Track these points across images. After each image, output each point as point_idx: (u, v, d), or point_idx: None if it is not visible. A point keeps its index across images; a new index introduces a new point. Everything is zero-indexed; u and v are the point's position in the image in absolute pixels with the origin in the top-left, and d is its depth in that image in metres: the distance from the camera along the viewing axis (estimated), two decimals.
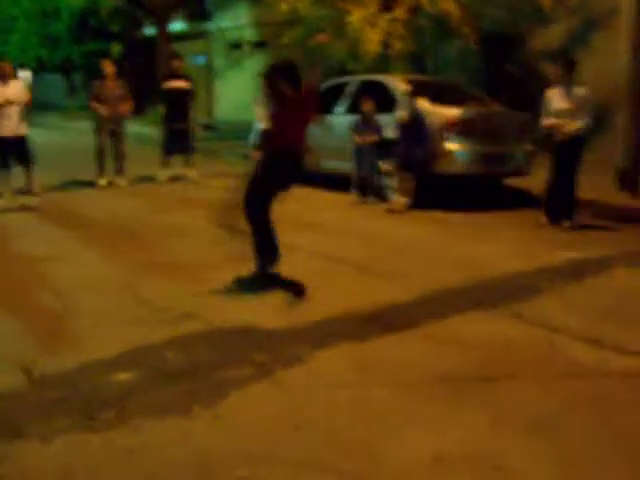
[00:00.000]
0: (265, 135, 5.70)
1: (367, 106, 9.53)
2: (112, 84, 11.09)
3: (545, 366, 4.10)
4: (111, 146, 11.21)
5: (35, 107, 29.65)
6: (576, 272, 6.15)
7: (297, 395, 3.70)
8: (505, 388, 3.79)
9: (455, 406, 3.56)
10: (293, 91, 5.51)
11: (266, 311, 5.02)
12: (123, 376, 3.94)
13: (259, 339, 4.49)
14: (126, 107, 11.11)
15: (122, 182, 11.17)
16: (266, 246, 5.62)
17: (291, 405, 3.59)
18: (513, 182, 10.21)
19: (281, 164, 5.60)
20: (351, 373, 3.99)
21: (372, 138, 9.42)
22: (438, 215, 8.75)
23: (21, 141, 10.00)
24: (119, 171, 11.24)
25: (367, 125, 9.50)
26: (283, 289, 5.47)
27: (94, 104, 11.01)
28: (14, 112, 9.84)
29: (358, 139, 9.52)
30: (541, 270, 6.19)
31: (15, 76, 10.41)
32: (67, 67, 28.51)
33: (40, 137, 10.52)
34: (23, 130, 10.03)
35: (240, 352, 4.27)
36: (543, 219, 8.22)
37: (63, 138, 19.16)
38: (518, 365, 4.11)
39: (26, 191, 10.11)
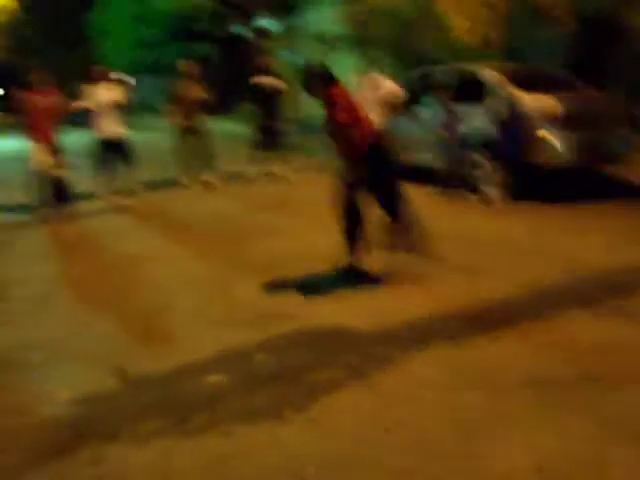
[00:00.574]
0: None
1: (447, 97, 9.29)
2: (193, 84, 11.22)
3: None
4: (196, 146, 11.35)
5: (130, 108, 30.45)
6: None
7: (389, 398, 3.62)
8: (611, 392, 3.57)
9: (555, 411, 3.38)
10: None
11: (359, 310, 4.95)
12: (215, 378, 3.94)
13: (351, 340, 4.42)
14: (206, 107, 11.21)
15: (212, 180, 11.29)
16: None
17: (383, 408, 3.50)
18: (613, 171, 9.73)
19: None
20: (445, 375, 3.86)
21: (458, 130, 9.16)
22: (534, 208, 8.41)
23: (121, 142, 10.35)
24: (208, 170, 11.35)
25: (454, 116, 9.24)
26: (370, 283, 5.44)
27: (170, 108, 11.22)
28: (113, 114, 10.20)
29: (443, 131, 9.28)
30: None
31: (112, 79, 10.66)
32: (161, 68, 29.18)
33: (135, 138, 10.75)
34: (123, 131, 10.37)
35: (332, 354, 4.21)
36: None
37: (157, 139, 19.59)
38: (626, 368, 3.86)
39: (123, 191, 10.43)
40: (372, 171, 5.53)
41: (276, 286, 5.63)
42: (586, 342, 4.21)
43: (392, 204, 5.63)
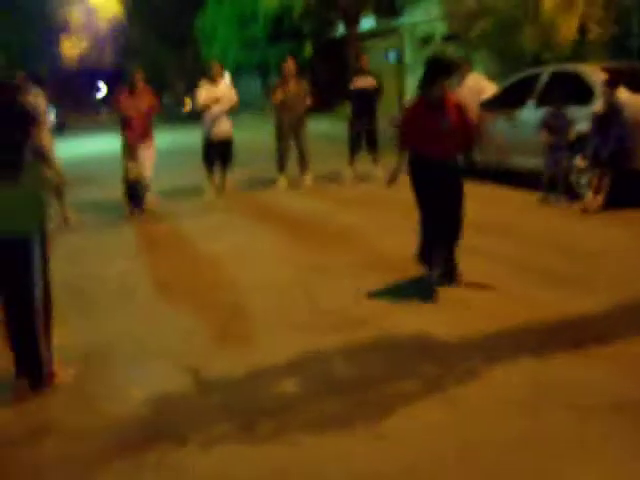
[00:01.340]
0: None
1: (556, 99, 8.83)
2: (292, 84, 11.19)
3: None
4: (294, 145, 11.34)
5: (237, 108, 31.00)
6: None
7: (468, 414, 3.44)
8: None
9: None
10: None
11: (440, 318, 4.77)
12: (287, 384, 3.88)
13: (431, 350, 4.26)
14: (304, 107, 11.07)
15: (307, 181, 11.26)
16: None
17: (460, 425, 3.34)
18: None
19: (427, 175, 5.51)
20: (527, 391, 3.64)
21: (562, 134, 8.74)
22: (638, 216, 7.94)
23: (227, 142, 10.51)
24: (303, 170, 11.32)
25: (558, 119, 8.81)
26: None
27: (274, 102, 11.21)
28: (222, 113, 10.35)
29: (546, 136, 8.86)
30: None
31: (224, 77, 10.78)
32: (263, 68, 29.57)
33: (236, 136, 10.90)
34: (229, 132, 10.53)
35: (410, 364, 4.06)
36: None
37: (258, 136, 19.85)
38: None
39: (219, 190, 10.61)
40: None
41: (360, 292, 5.49)
42: None
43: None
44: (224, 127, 10.52)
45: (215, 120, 10.42)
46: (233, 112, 10.70)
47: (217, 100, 10.25)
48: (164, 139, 17.52)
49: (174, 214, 9.43)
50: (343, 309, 5.08)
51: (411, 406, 3.55)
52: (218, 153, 10.61)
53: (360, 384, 3.83)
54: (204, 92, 10.40)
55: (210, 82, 10.50)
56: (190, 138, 12.69)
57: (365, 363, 4.12)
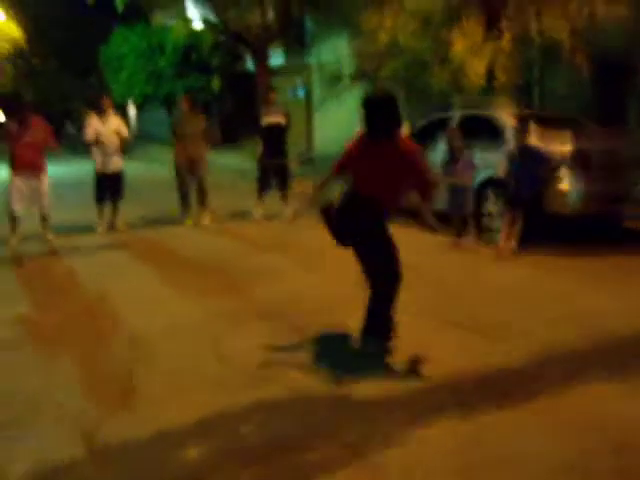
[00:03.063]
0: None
1: (458, 142, 8.79)
2: (191, 119, 10.88)
3: None
4: (195, 182, 10.89)
5: (140, 140, 30.38)
6: None
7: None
8: None
9: None
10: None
11: (363, 375, 4.43)
12: (195, 452, 3.48)
13: (350, 411, 3.93)
14: (203, 142, 10.76)
15: (206, 220, 10.82)
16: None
17: None
18: (637, 223, 9.29)
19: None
20: (457, 457, 3.38)
21: (468, 176, 8.69)
22: (551, 260, 7.94)
23: (117, 177, 10.11)
24: (203, 208, 10.89)
25: (461, 162, 8.76)
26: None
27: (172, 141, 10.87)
28: (113, 147, 9.99)
29: (452, 178, 8.79)
30: None
31: (114, 112, 10.34)
32: (170, 101, 29.08)
33: (139, 170, 10.47)
34: (120, 166, 10.13)
35: (327, 427, 3.73)
36: None
37: (162, 171, 19.31)
38: None
39: (110, 227, 10.12)
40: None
41: (273, 341, 5.13)
42: (615, 421, 3.72)
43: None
44: (114, 161, 10.17)
45: (105, 154, 10.07)
46: (126, 146, 10.34)
47: (104, 135, 9.93)
48: (60, 170, 16.72)
49: (63, 253, 8.66)
50: (257, 362, 4.69)
51: (328, 475, 3.22)
52: (108, 188, 10.20)
53: (275, 449, 3.47)
54: (92, 126, 10.02)
55: (99, 116, 10.10)
56: (86, 168, 12.04)
57: (275, 426, 3.75)
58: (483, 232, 8.93)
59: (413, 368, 4.54)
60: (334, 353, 4.88)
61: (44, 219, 8.66)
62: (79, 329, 5.64)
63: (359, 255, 4.80)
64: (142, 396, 4.20)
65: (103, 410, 4.00)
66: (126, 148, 10.43)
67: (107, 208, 10.23)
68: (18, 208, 8.36)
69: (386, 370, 4.54)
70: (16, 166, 8.33)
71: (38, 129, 8.42)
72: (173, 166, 11.01)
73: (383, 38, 13.57)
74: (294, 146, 13.88)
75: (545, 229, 8.50)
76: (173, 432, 3.69)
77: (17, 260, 8.17)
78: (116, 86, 30.50)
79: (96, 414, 3.93)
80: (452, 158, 8.78)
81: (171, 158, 11.05)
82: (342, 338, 5.15)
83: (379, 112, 4.69)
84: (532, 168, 8.13)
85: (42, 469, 3.34)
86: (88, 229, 10.09)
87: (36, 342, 5.31)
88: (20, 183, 8.34)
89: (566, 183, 8.22)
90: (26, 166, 8.29)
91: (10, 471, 3.33)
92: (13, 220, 8.43)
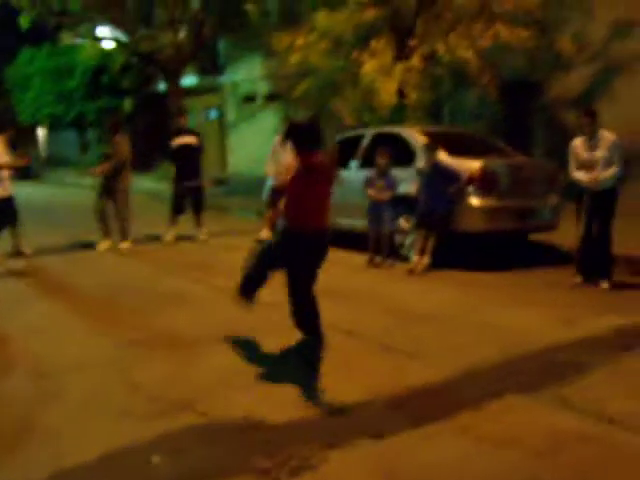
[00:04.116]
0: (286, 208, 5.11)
1: (381, 159, 8.86)
2: (116, 141, 10.53)
3: (609, 472, 3.39)
4: (113, 206, 10.55)
5: (50, 163, 29.56)
6: (624, 342, 5.44)
7: None
8: None
9: None
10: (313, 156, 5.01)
11: (275, 401, 4.33)
12: None
13: (263, 437, 3.81)
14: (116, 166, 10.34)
15: (124, 245, 10.49)
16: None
17: None
18: (540, 237, 9.54)
19: (309, 248, 5.10)
20: (374, 479, 3.31)
21: (387, 194, 8.77)
22: (463, 276, 8.07)
23: (6, 202, 9.61)
24: (122, 233, 10.55)
25: (381, 180, 8.83)
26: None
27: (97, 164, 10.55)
28: (4, 172, 9.51)
29: (372, 195, 8.86)
30: (584, 341, 5.48)
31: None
32: (80, 123, 28.44)
33: (49, 194, 10.05)
34: (8, 191, 9.65)
35: (239, 455, 3.60)
36: (577, 278, 7.55)
37: (73, 195, 18.77)
38: (572, 471, 3.40)
39: (14, 254, 9.69)
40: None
41: (180, 367, 4.98)
42: (525, 437, 3.73)
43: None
44: (7, 186, 9.62)
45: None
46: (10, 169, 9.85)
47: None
48: None
49: None
50: (165, 391, 4.52)
51: None
52: (4, 213, 9.66)
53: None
54: None
55: None
56: None
57: (187, 456, 3.59)
58: (396, 249, 9.00)
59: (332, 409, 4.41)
60: (245, 378, 4.76)
61: None
62: None
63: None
64: (43, 432, 3.97)
65: (3, 450, 3.75)
66: (34, 172, 9.98)
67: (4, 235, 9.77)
68: None
69: (300, 395, 4.45)
70: None
71: None
72: (96, 188, 10.61)
73: (295, 58, 13.60)
74: (209, 167, 13.73)
75: (459, 246, 8.63)
76: (76, 469, 3.49)
77: None
78: (23, 107, 29.69)
79: None
80: (378, 175, 8.83)
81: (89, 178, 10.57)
82: (254, 361, 5.04)
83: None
84: (442, 185, 8.26)
85: None
86: None
87: None
88: None
89: (476, 200, 8.36)
90: None
91: None
92: None
